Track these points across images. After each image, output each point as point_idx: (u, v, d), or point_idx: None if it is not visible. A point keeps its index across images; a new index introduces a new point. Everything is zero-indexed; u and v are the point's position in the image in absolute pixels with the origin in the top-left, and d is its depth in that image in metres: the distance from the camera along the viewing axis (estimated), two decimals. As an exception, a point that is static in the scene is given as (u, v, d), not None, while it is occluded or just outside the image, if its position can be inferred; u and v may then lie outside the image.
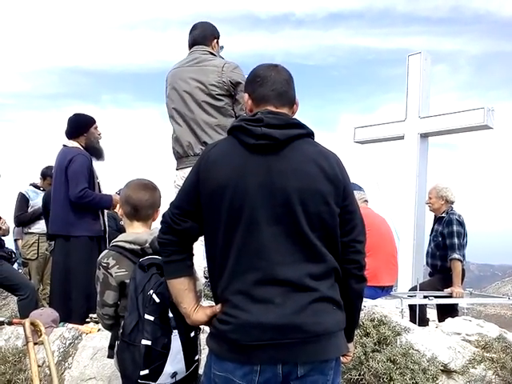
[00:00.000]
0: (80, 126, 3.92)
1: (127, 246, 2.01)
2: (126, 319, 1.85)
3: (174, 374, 1.84)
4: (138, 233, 2.07)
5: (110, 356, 2.05)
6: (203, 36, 3.39)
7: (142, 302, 1.81)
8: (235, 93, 3.23)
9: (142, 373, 1.76)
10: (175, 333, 1.82)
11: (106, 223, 3.96)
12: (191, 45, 3.43)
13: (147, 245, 2.01)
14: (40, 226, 5.38)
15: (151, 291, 1.81)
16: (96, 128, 3.98)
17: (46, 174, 5.47)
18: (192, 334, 1.90)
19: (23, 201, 5.46)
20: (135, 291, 1.84)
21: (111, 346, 2.05)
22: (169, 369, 1.81)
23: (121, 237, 2.07)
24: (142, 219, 2.11)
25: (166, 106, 3.50)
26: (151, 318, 1.78)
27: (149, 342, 1.76)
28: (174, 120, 3.38)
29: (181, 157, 3.37)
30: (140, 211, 2.09)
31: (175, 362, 1.82)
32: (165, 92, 3.49)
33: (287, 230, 1.54)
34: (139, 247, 2.01)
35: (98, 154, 4.00)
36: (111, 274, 1.97)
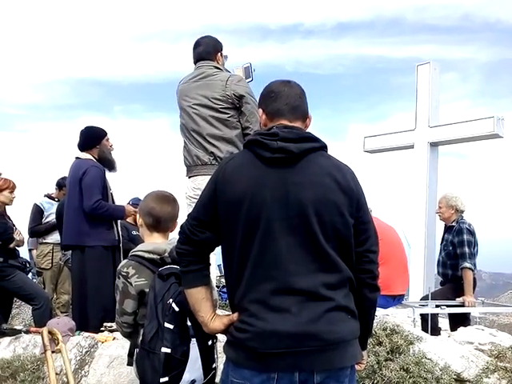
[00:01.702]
0: (92, 138, 4.01)
1: (146, 255, 2.05)
2: (145, 327, 1.89)
3: (193, 382, 1.87)
4: (157, 243, 2.12)
5: (130, 364, 2.09)
6: (208, 52, 3.48)
7: (161, 310, 1.84)
8: (240, 105, 3.31)
9: (162, 380, 1.79)
10: (193, 341, 1.86)
11: (120, 233, 4.04)
12: (196, 61, 3.51)
13: (166, 254, 2.05)
14: (54, 236, 5.42)
15: (170, 300, 1.85)
16: (108, 140, 4.07)
17: (61, 184, 5.46)
18: (209, 343, 1.94)
19: (38, 212, 5.47)
20: (155, 300, 1.87)
21: (130, 354, 2.10)
22: (187, 376, 1.84)
23: (140, 246, 2.12)
24: (162, 230, 2.16)
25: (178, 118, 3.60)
26: (171, 327, 1.81)
27: (168, 350, 1.79)
28: (184, 134, 3.52)
29: (190, 165, 3.49)
30: (162, 223, 2.14)
31: (194, 369, 1.86)
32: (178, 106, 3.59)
33: (303, 241, 1.58)
34: (158, 257, 2.05)
35: (110, 165, 4.09)
36: (131, 283, 2.01)
